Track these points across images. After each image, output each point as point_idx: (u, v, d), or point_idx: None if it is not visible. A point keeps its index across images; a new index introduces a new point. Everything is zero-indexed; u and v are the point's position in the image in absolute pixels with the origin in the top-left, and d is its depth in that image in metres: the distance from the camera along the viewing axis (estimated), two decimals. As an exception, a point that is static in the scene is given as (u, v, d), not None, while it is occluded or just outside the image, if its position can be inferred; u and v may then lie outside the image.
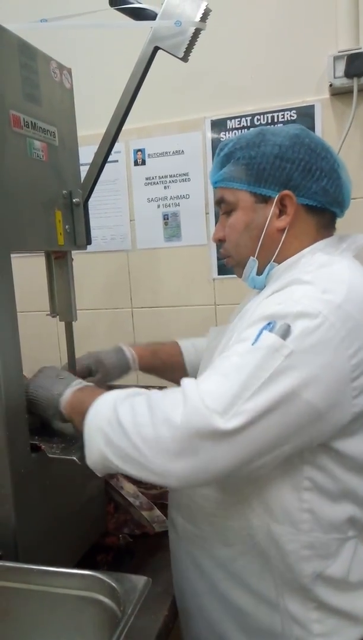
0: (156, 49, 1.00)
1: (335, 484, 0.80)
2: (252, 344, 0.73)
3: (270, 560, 0.83)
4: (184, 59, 1.00)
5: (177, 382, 1.19)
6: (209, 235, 1.60)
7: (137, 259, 1.70)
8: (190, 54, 1.00)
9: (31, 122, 0.95)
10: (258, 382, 0.71)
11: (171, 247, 1.66)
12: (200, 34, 0.99)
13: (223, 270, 1.60)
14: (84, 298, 1.66)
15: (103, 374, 1.18)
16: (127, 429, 0.76)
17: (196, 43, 1.00)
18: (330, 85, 1.41)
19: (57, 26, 1.04)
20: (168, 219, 1.65)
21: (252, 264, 0.93)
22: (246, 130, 1.53)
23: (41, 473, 0.95)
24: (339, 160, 0.91)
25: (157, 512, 1.20)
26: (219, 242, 0.98)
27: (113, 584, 0.74)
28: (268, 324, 0.74)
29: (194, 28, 0.97)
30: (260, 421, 0.71)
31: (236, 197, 0.92)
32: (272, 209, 0.89)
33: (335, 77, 1.40)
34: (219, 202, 0.97)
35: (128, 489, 1.20)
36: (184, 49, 0.99)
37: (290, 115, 1.49)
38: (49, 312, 1.20)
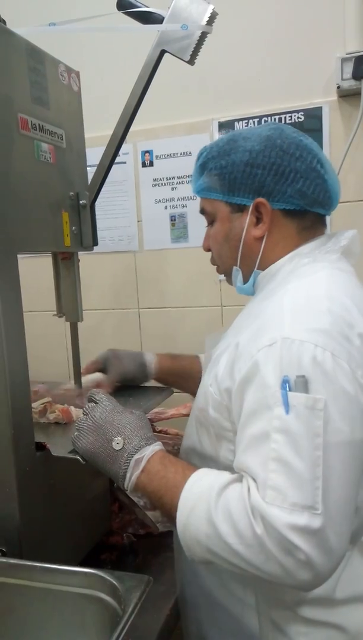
0: (163, 52, 1.01)
1: None
2: (286, 412, 0.68)
3: (256, 580, 0.80)
4: (191, 62, 1.01)
5: (192, 392, 1.15)
6: (216, 236, 1.60)
7: (144, 260, 1.71)
8: (197, 57, 1.01)
9: (39, 124, 0.96)
10: (319, 451, 0.67)
11: (178, 249, 1.66)
12: (207, 37, 1.00)
13: (229, 271, 1.60)
14: (92, 298, 1.67)
15: (116, 370, 1.17)
16: (238, 551, 0.69)
17: (202, 46, 1.00)
18: (338, 87, 1.41)
19: (65, 30, 1.05)
20: (175, 220, 1.66)
21: (236, 273, 0.94)
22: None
23: (46, 472, 0.96)
24: (321, 157, 0.88)
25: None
26: (208, 250, 0.99)
27: (115, 582, 0.75)
28: (284, 382, 0.69)
29: (201, 31, 0.98)
30: (337, 487, 0.67)
31: (214, 207, 0.93)
32: (248, 217, 0.88)
33: (342, 79, 1.40)
34: (202, 212, 0.97)
35: (133, 488, 1.21)
36: (191, 53, 0.99)
37: (298, 117, 1.49)
38: (55, 313, 1.21)
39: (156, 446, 0.84)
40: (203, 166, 0.92)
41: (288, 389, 0.69)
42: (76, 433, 0.88)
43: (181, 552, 0.96)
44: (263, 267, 0.90)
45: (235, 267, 0.93)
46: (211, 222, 0.95)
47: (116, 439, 0.83)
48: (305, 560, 0.65)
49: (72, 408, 1.11)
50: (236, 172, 0.86)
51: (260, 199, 0.86)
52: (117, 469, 0.83)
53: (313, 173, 0.86)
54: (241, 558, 0.69)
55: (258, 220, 0.88)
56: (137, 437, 0.84)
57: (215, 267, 1.02)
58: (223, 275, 1.03)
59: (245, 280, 0.93)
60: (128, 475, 0.82)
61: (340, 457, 0.68)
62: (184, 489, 0.76)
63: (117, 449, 0.83)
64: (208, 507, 0.72)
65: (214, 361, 0.89)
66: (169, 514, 0.78)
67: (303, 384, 0.68)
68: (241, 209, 0.89)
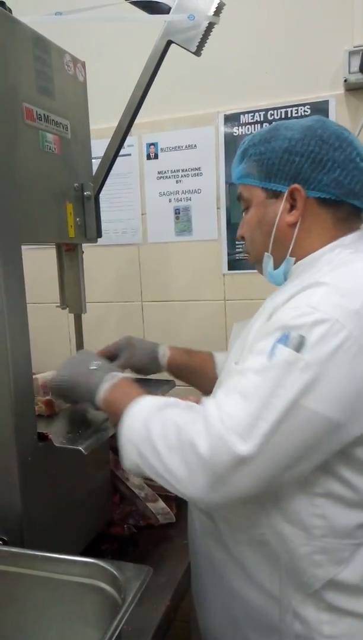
0: (169, 42, 1.00)
1: (349, 490, 0.78)
2: (268, 359, 0.72)
3: (280, 563, 0.83)
4: (197, 53, 1.00)
5: (204, 390, 1.20)
6: (220, 230, 1.60)
7: (148, 253, 1.71)
8: (203, 48, 1.00)
9: (44, 114, 0.96)
10: (279, 400, 0.70)
11: (182, 242, 1.66)
12: (213, 28, 0.99)
13: (233, 265, 1.60)
14: (95, 291, 1.67)
15: (127, 358, 1.20)
16: (160, 451, 0.77)
17: (209, 37, 1.00)
18: (345, 80, 1.39)
19: (71, 19, 1.05)
20: (179, 213, 1.65)
21: (267, 259, 0.94)
22: (259, 125, 1.53)
23: (48, 462, 0.97)
24: (361, 152, 0.88)
25: (162, 504, 1.21)
26: (242, 239, 1.00)
27: (115, 572, 0.76)
28: (283, 335, 0.72)
29: (208, 22, 0.98)
30: (278, 440, 0.71)
31: (251, 193, 0.93)
32: (283, 203, 0.89)
33: (350, 73, 1.38)
34: (239, 199, 0.98)
35: (134, 480, 1.22)
36: (197, 43, 0.99)
37: (304, 111, 1.48)
38: (59, 304, 1.21)
39: (125, 376, 0.96)
40: (244, 152, 0.93)
41: (281, 343, 0.72)
42: (59, 367, 1.01)
43: (196, 542, 0.98)
44: (296, 254, 0.90)
45: (266, 253, 0.94)
46: (246, 209, 0.96)
47: (93, 363, 0.97)
48: (205, 458, 0.72)
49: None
50: (274, 159, 0.88)
51: (295, 185, 0.87)
52: (91, 383, 0.93)
53: (351, 164, 0.86)
54: (160, 459, 0.77)
55: (292, 207, 0.89)
56: (110, 366, 0.99)
57: (246, 256, 1.03)
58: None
59: (276, 267, 0.94)
60: (101, 386, 0.92)
61: (300, 419, 0.70)
62: (137, 399, 0.85)
63: (93, 368, 0.96)
64: (149, 412, 0.82)
65: (242, 342, 0.91)
66: (118, 420, 0.85)
67: (298, 343, 0.71)
68: (276, 195, 0.90)
